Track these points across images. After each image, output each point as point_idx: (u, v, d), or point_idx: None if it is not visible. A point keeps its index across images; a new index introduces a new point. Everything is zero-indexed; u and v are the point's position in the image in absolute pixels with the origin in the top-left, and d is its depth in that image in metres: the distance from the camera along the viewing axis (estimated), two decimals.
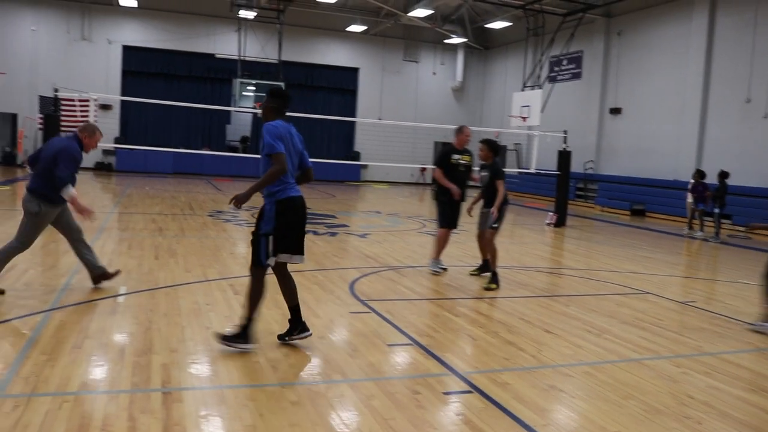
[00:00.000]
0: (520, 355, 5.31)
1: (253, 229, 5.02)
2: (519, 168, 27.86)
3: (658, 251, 12.85)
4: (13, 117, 27.72)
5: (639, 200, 21.28)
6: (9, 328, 5.23)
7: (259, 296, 4.96)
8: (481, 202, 8.73)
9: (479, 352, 5.42)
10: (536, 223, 16.97)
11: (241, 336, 4.88)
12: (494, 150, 8.46)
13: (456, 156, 8.73)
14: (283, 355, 4.92)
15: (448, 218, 8.73)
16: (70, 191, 5.91)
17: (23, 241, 6.14)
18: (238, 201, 4.88)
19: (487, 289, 7.77)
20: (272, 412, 3.87)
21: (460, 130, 8.98)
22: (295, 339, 5.12)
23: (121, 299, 6.36)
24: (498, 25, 28.15)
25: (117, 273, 6.80)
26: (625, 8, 23.36)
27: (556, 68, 26.75)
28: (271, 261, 4.90)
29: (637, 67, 23.33)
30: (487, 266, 8.28)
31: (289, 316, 5.15)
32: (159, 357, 4.68)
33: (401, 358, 5.10)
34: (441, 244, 8.77)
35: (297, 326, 5.11)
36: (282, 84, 25.00)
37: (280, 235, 4.87)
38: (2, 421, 3.52)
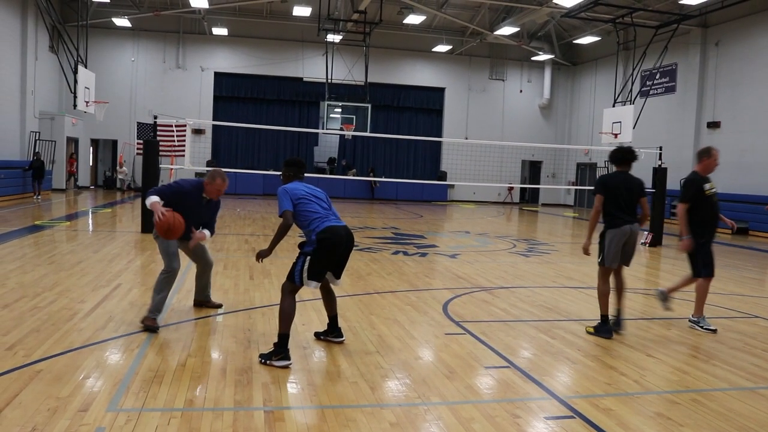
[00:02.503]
0: (622, 380, 5.11)
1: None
2: None
3: (766, 273, 12.17)
4: (114, 143, 29.24)
5: (742, 218, 20.25)
6: (118, 344, 5.47)
7: (290, 312, 5.17)
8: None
9: (579, 376, 5.26)
10: None
11: (277, 353, 5.07)
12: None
13: (707, 185, 6.97)
14: (380, 377, 4.93)
15: (707, 264, 6.94)
16: (150, 199, 5.89)
17: (165, 265, 6.17)
18: (260, 256, 5.37)
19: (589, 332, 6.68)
20: None
21: (707, 153, 7.02)
22: (330, 339, 5.80)
23: (219, 318, 6.54)
24: (586, 40, 27.66)
25: (219, 306, 6.98)
26: (723, 17, 22.47)
27: (649, 82, 25.93)
28: (308, 283, 5.23)
29: (738, 78, 22.34)
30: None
31: (328, 322, 5.82)
32: (259, 376, 4.77)
33: (499, 380, 5.00)
34: (704, 297, 7.05)
35: (333, 331, 5.80)
36: (368, 106, 25.33)
37: (317, 260, 5.23)
38: None
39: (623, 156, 6.73)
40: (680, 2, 20.22)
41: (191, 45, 29.60)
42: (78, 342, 5.45)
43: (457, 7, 27.28)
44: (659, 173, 16.25)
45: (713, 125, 23.33)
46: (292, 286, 5.25)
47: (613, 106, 22.93)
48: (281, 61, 30.07)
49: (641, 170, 20.14)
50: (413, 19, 26.91)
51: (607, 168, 28.06)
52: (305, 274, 5.21)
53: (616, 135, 21.42)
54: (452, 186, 31.38)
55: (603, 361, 5.59)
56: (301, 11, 25.95)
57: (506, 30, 26.71)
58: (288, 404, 4.29)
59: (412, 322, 6.69)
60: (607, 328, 6.48)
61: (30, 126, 24.43)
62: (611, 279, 6.68)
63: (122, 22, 27.16)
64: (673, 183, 22.71)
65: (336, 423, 3.99)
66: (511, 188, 32.11)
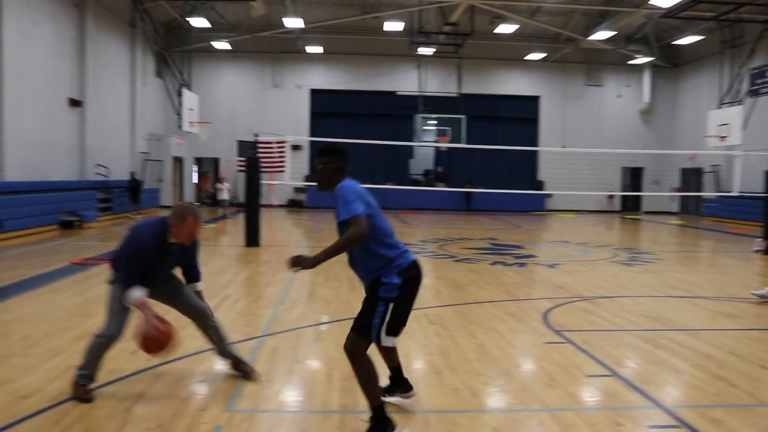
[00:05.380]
0: (733, 392, 4.95)
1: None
2: (718, 191, 25.91)
3: None
4: (215, 161, 30.59)
5: None
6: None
7: (374, 375, 3.90)
8: None
9: (685, 386, 5.14)
10: (740, 250, 15.65)
11: (378, 428, 3.89)
12: None
13: None
14: (481, 383, 5.00)
15: None
16: (135, 295, 4.46)
17: (104, 326, 4.68)
18: (299, 264, 3.72)
19: None
20: None
21: None
22: (399, 395, 4.49)
23: (323, 327, 6.78)
24: (688, 40, 26.67)
25: (250, 372, 5.07)
26: None
27: (759, 81, 24.67)
28: (387, 341, 3.92)
29: None
30: None
31: (391, 375, 4.48)
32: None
33: (601, 389, 4.97)
34: None
35: (401, 384, 4.47)
36: (462, 117, 25.37)
37: (401, 309, 3.93)
38: None
39: None
40: None
41: (286, 64, 30.65)
42: (193, 348, 5.80)
43: (549, 14, 26.96)
44: None
45: None
46: (365, 343, 3.89)
47: (719, 107, 22.02)
48: (375, 76, 30.62)
49: (751, 174, 19.25)
50: (505, 28, 26.79)
51: (715, 174, 26.84)
52: (384, 329, 3.85)
53: (722, 138, 20.57)
54: (550, 195, 30.88)
55: (711, 372, 5.43)
56: (393, 26, 26.37)
57: (601, 34, 26.13)
58: (393, 409, 4.43)
59: (511, 331, 6.71)
60: None
61: (139, 147, 25.98)
62: None
63: (221, 45, 28.51)
64: None
65: (439, 427, 4.11)
66: (611, 196, 31.23)
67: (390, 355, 4.38)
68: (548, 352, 5.95)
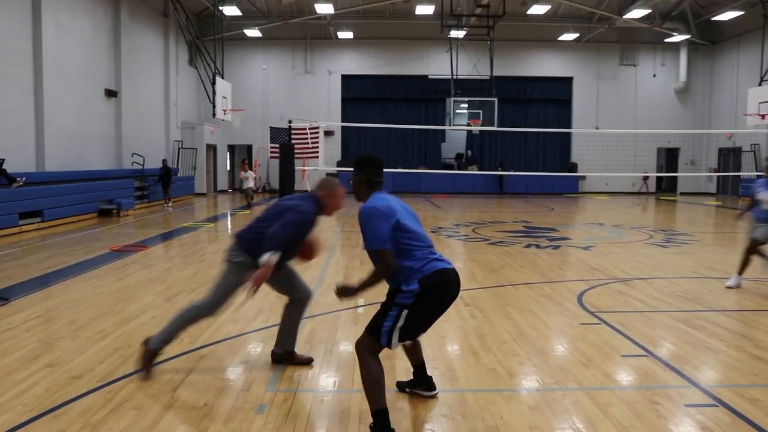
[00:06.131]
0: None
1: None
2: (757, 171, 25.39)
3: None
4: (248, 148, 30.86)
5: None
6: (270, 334, 5.92)
7: (379, 379, 3.74)
8: None
9: (722, 365, 5.14)
10: None
11: None
12: None
13: None
14: (517, 363, 5.06)
15: None
16: (272, 258, 4.40)
17: (206, 300, 4.83)
18: (344, 294, 3.98)
19: None
20: (512, 415, 4.03)
21: None
22: (418, 392, 4.38)
23: (360, 310, 6.89)
24: (727, 16, 26.08)
25: (309, 361, 5.10)
26: None
27: None
28: (395, 345, 3.80)
29: None
30: None
31: (414, 371, 4.40)
32: (401, 362, 5.04)
33: (637, 369, 4.99)
34: None
35: (423, 382, 4.36)
36: (495, 100, 25.23)
37: (418, 317, 3.79)
38: (276, 411, 4.05)
39: None
40: None
41: (318, 50, 30.72)
42: (234, 331, 5.97)
43: None
44: None
45: None
46: (375, 345, 3.80)
47: (759, 84, 21.56)
48: (406, 60, 30.54)
49: None
50: (538, 9, 26.48)
51: (755, 153, 26.31)
52: (396, 335, 3.75)
53: (763, 116, 20.16)
54: (583, 177, 30.58)
55: (749, 352, 5.41)
56: (424, 9, 26.26)
57: (637, 13, 25.67)
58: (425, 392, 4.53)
59: (547, 313, 6.75)
60: None
61: (173, 135, 26.36)
62: None
63: (253, 32, 28.68)
64: None
65: (476, 405, 4.19)
66: (646, 177, 30.82)
67: (413, 353, 4.34)
68: (583, 332, 5.98)
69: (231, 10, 25.43)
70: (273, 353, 5.08)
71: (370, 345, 3.78)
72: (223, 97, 20.17)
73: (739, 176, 27.20)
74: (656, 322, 6.44)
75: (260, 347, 5.51)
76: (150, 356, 4.69)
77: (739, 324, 6.42)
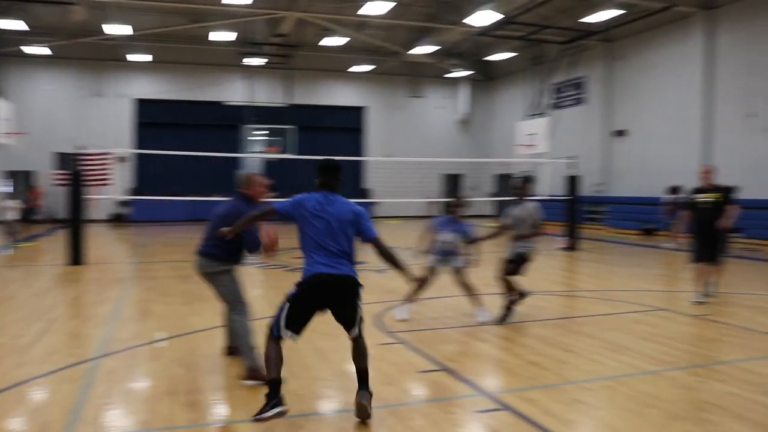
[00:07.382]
0: (544, 374, 5.62)
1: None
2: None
3: (670, 268, 13.10)
4: (27, 174, 28.29)
5: (649, 220, 21.49)
6: (64, 375, 5.58)
7: (272, 356, 4.36)
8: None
9: (506, 373, 5.74)
10: (544, 248, 17.20)
11: (269, 404, 4.25)
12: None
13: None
14: (322, 387, 5.25)
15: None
16: None
17: (239, 302, 5.64)
18: (226, 231, 4.99)
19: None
20: None
21: None
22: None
23: (162, 344, 6.69)
24: (500, 56, 28.79)
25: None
26: (625, 33, 23.81)
27: (558, 95, 27.25)
28: (284, 333, 4.39)
29: (640, 88, 23.72)
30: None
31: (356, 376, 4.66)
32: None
33: (433, 382, 5.42)
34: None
35: (361, 387, 4.59)
36: (291, 127, 25.54)
37: (295, 309, 4.43)
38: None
39: None
40: (583, 21, 21.36)
41: (110, 72, 29.10)
42: (21, 376, 5.54)
43: (375, 28, 27.93)
44: (573, 181, 17.16)
45: (620, 133, 24.64)
46: (269, 335, 4.43)
47: (525, 119, 24.07)
48: (202, 85, 29.95)
49: (558, 179, 21.23)
50: (333, 41, 27.38)
51: (526, 180, 29.05)
52: (283, 323, 4.39)
53: (530, 146, 22.49)
54: (376, 203, 31.88)
55: (527, 359, 6.09)
56: (220, 36, 26.02)
57: (423, 49, 27.53)
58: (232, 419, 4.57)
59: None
60: None
61: None
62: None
63: (39, 50, 26.51)
64: (586, 190, 23.89)
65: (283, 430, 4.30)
66: (430, 203, 32.86)
67: (355, 355, 4.68)
68: (383, 353, 6.30)
69: (14, 24, 23.16)
70: (228, 348, 5.93)
71: (267, 333, 4.45)
72: (6, 119, 18.49)
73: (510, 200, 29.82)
74: (449, 338, 6.99)
75: (59, 389, 5.17)
76: (258, 373, 5.06)
77: (518, 334, 7.17)
